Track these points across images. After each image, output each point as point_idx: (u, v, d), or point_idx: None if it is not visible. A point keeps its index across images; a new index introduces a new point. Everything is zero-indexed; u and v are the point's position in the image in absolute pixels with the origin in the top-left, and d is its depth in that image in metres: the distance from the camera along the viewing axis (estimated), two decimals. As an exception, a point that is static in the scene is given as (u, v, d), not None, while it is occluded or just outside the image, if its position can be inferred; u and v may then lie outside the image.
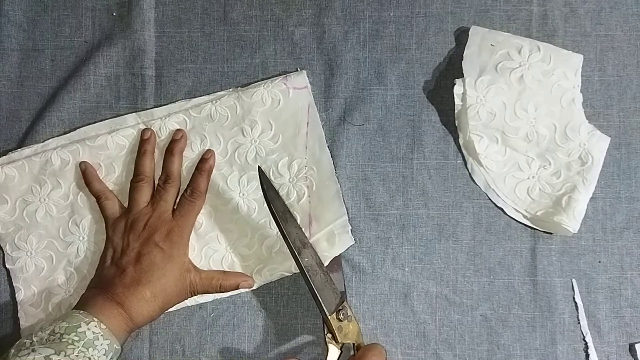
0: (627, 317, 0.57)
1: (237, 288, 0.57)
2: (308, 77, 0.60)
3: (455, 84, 0.58)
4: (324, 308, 0.52)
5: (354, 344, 0.53)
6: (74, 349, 0.47)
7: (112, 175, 0.59)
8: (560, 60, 0.58)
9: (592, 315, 0.57)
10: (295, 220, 0.54)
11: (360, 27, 0.61)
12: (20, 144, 0.61)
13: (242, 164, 0.59)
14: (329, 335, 0.52)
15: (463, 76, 0.58)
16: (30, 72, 0.62)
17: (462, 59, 0.58)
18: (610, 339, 0.57)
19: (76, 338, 0.48)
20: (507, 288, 0.58)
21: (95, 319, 0.50)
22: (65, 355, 0.46)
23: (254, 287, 0.58)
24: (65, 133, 0.60)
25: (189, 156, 0.59)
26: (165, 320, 0.58)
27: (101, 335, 0.49)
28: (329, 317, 0.52)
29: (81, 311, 0.50)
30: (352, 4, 0.61)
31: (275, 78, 0.60)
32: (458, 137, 0.59)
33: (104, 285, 0.53)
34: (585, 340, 0.57)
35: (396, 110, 0.60)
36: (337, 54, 0.61)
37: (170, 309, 0.56)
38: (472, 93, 0.58)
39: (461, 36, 0.60)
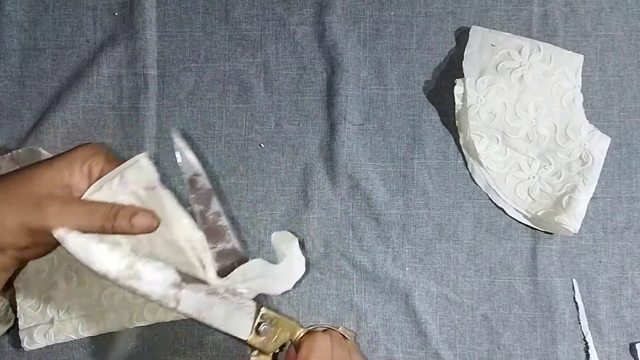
0: (627, 317, 0.57)
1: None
2: (310, 75, 0.60)
3: (455, 84, 0.58)
4: (238, 337, 0.47)
5: (291, 340, 0.48)
6: None
7: None
8: (561, 60, 0.58)
9: (592, 315, 0.57)
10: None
11: (361, 27, 0.61)
12: (22, 144, 0.60)
13: None
14: (255, 352, 0.47)
15: (463, 76, 0.58)
16: (31, 72, 0.62)
17: (463, 59, 0.59)
18: (611, 339, 0.57)
19: None
20: (508, 288, 0.58)
21: None
22: None
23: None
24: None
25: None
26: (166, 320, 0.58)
27: None
28: (248, 340, 0.47)
29: None
30: (353, 3, 0.61)
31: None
32: (458, 137, 0.60)
33: None
34: (585, 340, 0.57)
35: (396, 110, 0.60)
36: (338, 53, 0.61)
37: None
38: (473, 93, 0.58)
39: (461, 36, 0.60)
